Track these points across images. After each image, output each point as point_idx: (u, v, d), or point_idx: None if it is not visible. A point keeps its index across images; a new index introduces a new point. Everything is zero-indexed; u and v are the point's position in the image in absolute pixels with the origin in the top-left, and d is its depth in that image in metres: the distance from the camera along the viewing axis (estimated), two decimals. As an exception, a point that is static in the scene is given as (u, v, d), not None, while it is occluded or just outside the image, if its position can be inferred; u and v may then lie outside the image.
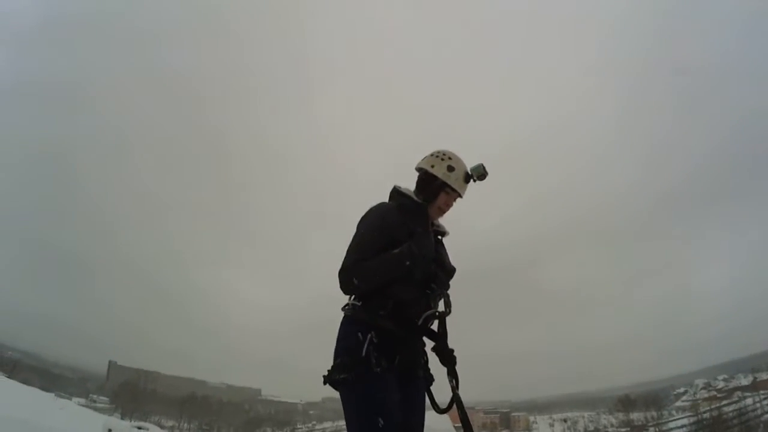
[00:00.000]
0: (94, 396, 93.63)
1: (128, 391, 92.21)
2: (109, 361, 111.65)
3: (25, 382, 37.62)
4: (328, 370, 2.64)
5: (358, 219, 2.95)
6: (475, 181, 3.01)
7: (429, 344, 2.83)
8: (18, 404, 11.18)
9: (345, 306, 2.85)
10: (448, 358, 2.72)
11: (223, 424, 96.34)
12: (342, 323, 2.81)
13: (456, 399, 2.70)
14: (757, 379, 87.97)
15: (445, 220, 3.17)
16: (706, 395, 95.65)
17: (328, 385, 2.65)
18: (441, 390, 2.81)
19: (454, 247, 3.16)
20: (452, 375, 2.71)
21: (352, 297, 2.83)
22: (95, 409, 59.63)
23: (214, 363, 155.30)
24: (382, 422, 2.48)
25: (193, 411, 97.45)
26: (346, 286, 2.76)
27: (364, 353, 2.59)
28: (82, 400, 72.39)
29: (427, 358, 2.92)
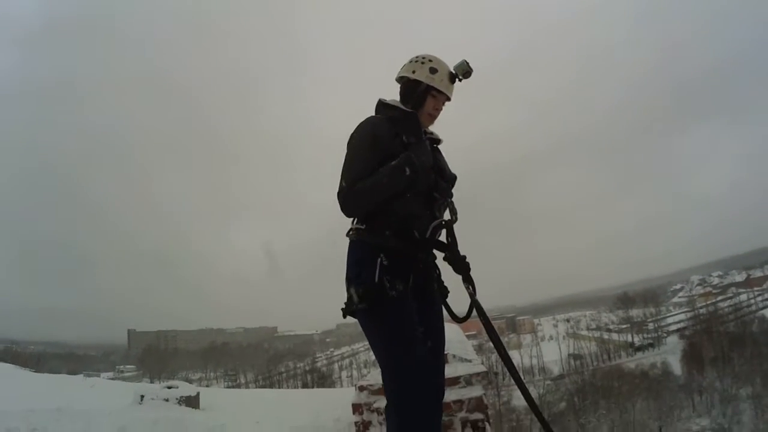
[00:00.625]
0: (121, 367, 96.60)
1: (151, 354, 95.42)
2: (128, 330, 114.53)
3: (52, 371, 38.83)
4: (345, 302, 2.53)
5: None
6: (460, 80, 2.84)
7: (440, 255, 2.68)
8: (49, 394, 11.12)
9: (349, 231, 2.70)
10: (461, 266, 2.59)
11: (247, 366, 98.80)
12: (349, 249, 2.66)
13: (476, 305, 2.63)
14: (751, 276, 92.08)
15: (438, 129, 2.97)
16: (701, 291, 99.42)
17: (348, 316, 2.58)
18: (455, 300, 2.75)
19: (448, 156, 3.00)
20: (468, 282, 2.61)
21: (355, 220, 2.68)
22: (124, 379, 61.78)
23: (228, 310, 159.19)
24: (406, 346, 2.43)
25: (216, 359, 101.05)
26: (347, 208, 2.59)
27: (377, 279, 2.46)
28: (110, 374, 75.32)
29: (439, 270, 2.75)
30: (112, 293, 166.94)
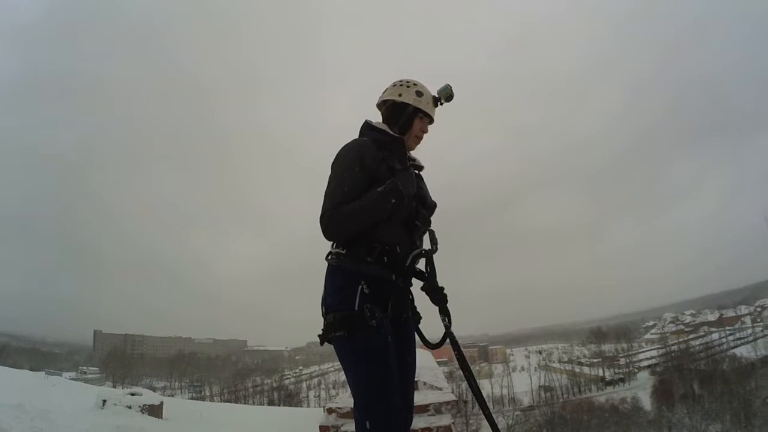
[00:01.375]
0: (84, 368, 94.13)
1: (116, 358, 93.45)
2: (94, 331, 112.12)
3: (14, 365, 37.79)
4: (323, 329, 2.51)
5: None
6: (442, 103, 2.90)
7: (416, 283, 2.69)
8: (9, 388, 11.19)
9: (328, 255, 2.66)
10: (439, 297, 2.58)
11: (213, 378, 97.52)
12: (328, 274, 2.62)
13: (450, 336, 2.63)
14: (723, 315, 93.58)
15: (419, 155, 3.00)
16: (674, 329, 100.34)
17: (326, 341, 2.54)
18: (428, 327, 2.78)
19: (429, 181, 3.01)
20: (444, 313, 2.59)
21: (335, 244, 2.64)
22: (86, 380, 60.27)
23: (198, 319, 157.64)
24: (383, 376, 2.41)
25: (182, 369, 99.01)
26: (330, 233, 2.55)
27: (356, 307, 2.44)
28: (73, 374, 72.39)
29: (412, 296, 2.77)
30: (82, 290, 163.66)
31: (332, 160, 2.68)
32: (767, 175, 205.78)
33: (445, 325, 2.59)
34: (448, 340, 2.66)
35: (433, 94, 2.88)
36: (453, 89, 2.88)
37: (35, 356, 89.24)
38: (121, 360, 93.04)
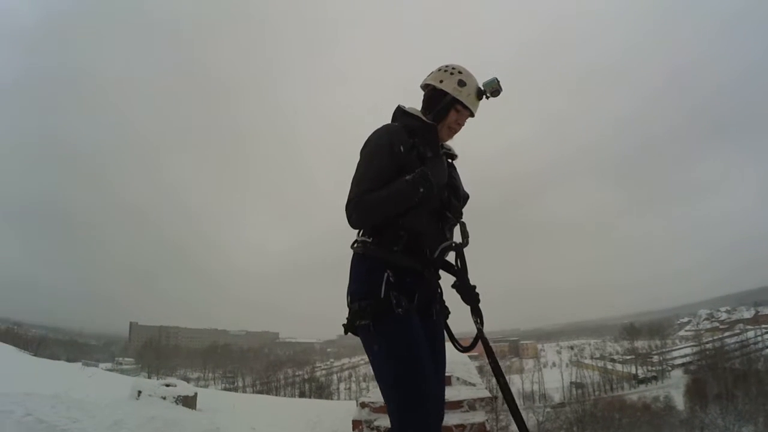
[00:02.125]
0: (120, 359, 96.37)
1: (151, 349, 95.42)
2: (130, 323, 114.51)
3: (51, 357, 38.92)
4: (347, 317, 2.41)
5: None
6: (488, 97, 2.72)
7: (443, 275, 2.61)
8: (47, 379, 11.36)
9: (354, 243, 2.58)
10: (471, 297, 2.50)
11: (246, 370, 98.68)
12: (353, 262, 2.54)
13: (482, 339, 2.53)
14: (759, 313, 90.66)
15: (454, 143, 2.87)
16: (708, 326, 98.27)
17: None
18: (455, 322, 2.70)
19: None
20: (476, 314, 2.50)
21: (361, 232, 2.56)
22: (122, 371, 61.51)
23: (231, 312, 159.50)
24: (413, 366, 2.30)
25: (215, 360, 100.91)
26: (355, 220, 2.45)
27: (382, 295, 2.35)
28: (109, 365, 74.87)
29: (441, 290, 2.68)
30: (118, 282, 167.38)
31: (362, 146, 2.59)
32: None
33: (478, 328, 2.50)
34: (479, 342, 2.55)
35: (479, 85, 2.70)
36: (501, 83, 2.68)
37: (72, 348, 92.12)
38: (156, 351, 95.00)
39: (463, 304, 2.52)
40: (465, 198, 2.77)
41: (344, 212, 2.43)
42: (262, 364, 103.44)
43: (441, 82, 2.67)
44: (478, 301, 2.50)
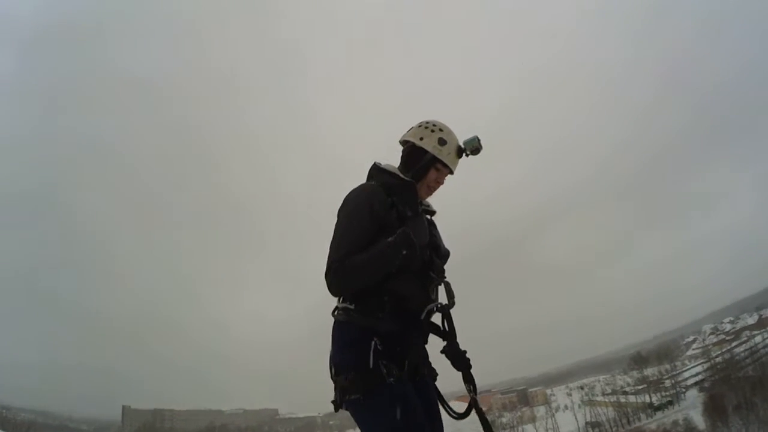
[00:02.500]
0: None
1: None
2: (123, 407, 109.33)
3: None
4: (336, 392, 2.32)
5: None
6: (467, 155, 2.69)
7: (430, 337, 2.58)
8: None
9: (335, 310, 2.49)
10: (462, 362, 2.45)
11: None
12: (336, 331, 2.45)
13: (475, 406, 2.44)
14: (763, 316, 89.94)
15: (434, 194, 2.78)
16: (715, 340, 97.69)
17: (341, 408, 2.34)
18: (443, 378, 2.61)
19: (446, 223, 2.87)
20: (468, 381, 2.45)
21: (342, 298, 2.45)
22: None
23: (228, 390, 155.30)
24: None
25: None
26: (336, 288, 2.37)
27: (371, 365, 2.26)
28: (102, 453, 72.64)
29: (427, 352, 2.61)
30: (109, 365, 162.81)
31: (339, 207, 2.54)
32: None
33: (471, 397, 2.46)
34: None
35: (459, 143, 2.69)
36: (481, 141, 2.68)
37: None
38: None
39: (449, 364, 2.51)
40: (446, 255, 2.73)
41: (324, 279, 2.39)
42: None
43: (421, 139, 2.65)
44: (470, 366, 2.48)
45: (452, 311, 2.52)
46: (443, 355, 2.49)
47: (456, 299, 2.53)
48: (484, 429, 2.45)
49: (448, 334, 2.49)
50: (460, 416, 2.54)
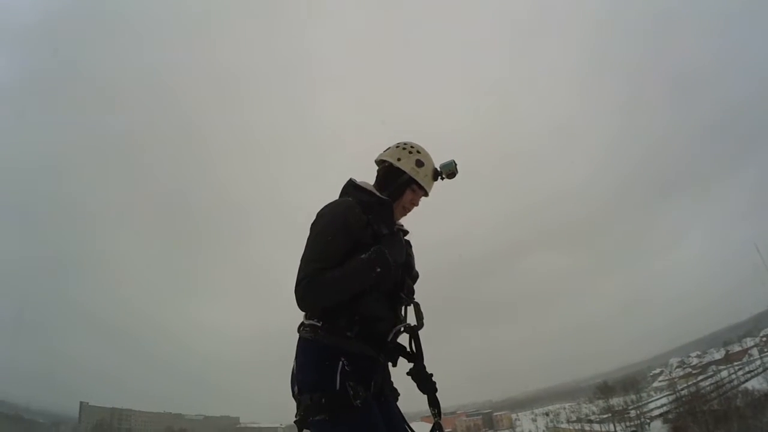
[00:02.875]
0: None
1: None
2: (81, 402, 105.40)
3: None
4: (300, 412, 2.26)
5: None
6: (443, 179, 2.74)
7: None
8: None
9: (301, 326, 2.44)
10: (428, 386, 2.44)
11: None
12: (301, 349, 2.41)
13: (439, 430, 2.41)
14: (729, 352, 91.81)
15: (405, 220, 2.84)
16: (681, 373, 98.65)
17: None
18: (404, 397, 2.61)
19: (419, 242, 2.85)
20: (434, 405, 2.42)
21: (308, 315, 2.42)
22: (71, 455, 57.51)
23: (189, 395, 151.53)
24: None
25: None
26: (307, 303, 2.35)
27: (338, 386, 2.24)
28: (56, 447, 70.32)
29: (389, 371, 2.60)
30: (68, 357, 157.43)
31: (312, 221, 2.52)
32: (752, 206, 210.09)
33: (436, 422, 2.42)
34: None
35: (435, 166, 2.75)
36: (457, 166, 2.73)
37: (18, 425, 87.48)
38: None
39: (411, 384, 2.51)
40: (416, 277, 2.72)
41: (294, 293, 2.35)
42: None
43: (399, 159, 2.68)
44: (435, 390, 2.44)
45: (420, 332, 2.52)
46: (407, 375, 2.50)
47: (425, 321, 2.53)
48: None
49: (416, 355, 2.49)
50: None
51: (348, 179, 2.72)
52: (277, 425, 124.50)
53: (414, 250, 2.77)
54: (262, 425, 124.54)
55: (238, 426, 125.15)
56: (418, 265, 2.76)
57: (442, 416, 2.48)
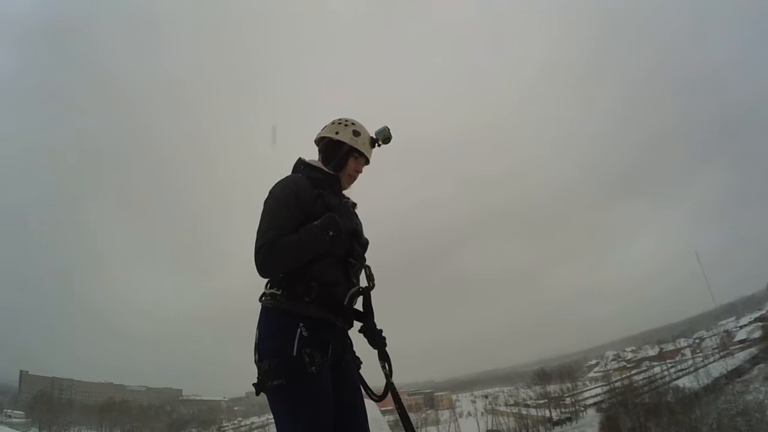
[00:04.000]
0: (9, 411, 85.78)
1: (43, 402, 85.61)
2: (21, 371, 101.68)
3: None
4: (258, 377, 2.42)
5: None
6: (379, 145, 2.97)
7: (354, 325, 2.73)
8: None
9: (262, 296, 2.60)
10: (377, 340, 2.61)
11: (146, 429, 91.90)
12: (262, 317, 2.55)
13: (391, 388, 2.64)
14: (663, 350, 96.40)
15: (359, 197, 3.06)
16: (616, 366, 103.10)
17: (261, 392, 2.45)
18: (368, 372, 2.75)
19: (376, 230, 3.10)
20: (384, 359, 2.62)
21: (269, 284, 2.59)
22: (11, 425, 55.61)
23: (131, 366, 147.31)
24: (321, 428, 2.34)
25: (113, 417, 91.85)
26: (267, 268, 2.50)
27: (295, 352, 2.37)
28: (-4, 416, 67.62)
29: (350, 340, 2.78)
30: (10, 321, 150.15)
31: (265, 198, 2.68)
32: (703, 214, 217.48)
33: (385, 374, 2.63)
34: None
35: (371, 135, 2.95)
36: (391, 131, 2.96)
37: None
38: (48, 405, 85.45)
39: (375, 358, 2.65)
40: (366, 244, 2.92)
41: (254, 264, 2.49)
42: (164, 423, 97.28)
43: (337, 133, 2.90)
44: (385, 344, 2.63)
45: (377, 318, 2.69)
46: (371, 351, 2.66)
47: (375, 282, 2.72)
48: (395, 404, 2.60)
49: (367, 314, 2.66)
50: (378, 398, 2.83)
51: (298, 158, 2.94)
52: (221, 398, 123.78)
53: (372, 235, 2.98)
54: (205, 397, 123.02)
55: (180, 398, 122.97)
56: (375, 252, 2.96)
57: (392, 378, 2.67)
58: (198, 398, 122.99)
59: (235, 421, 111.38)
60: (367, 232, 2.98)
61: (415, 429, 2.55)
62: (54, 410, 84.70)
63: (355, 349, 2.77)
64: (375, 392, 2.80)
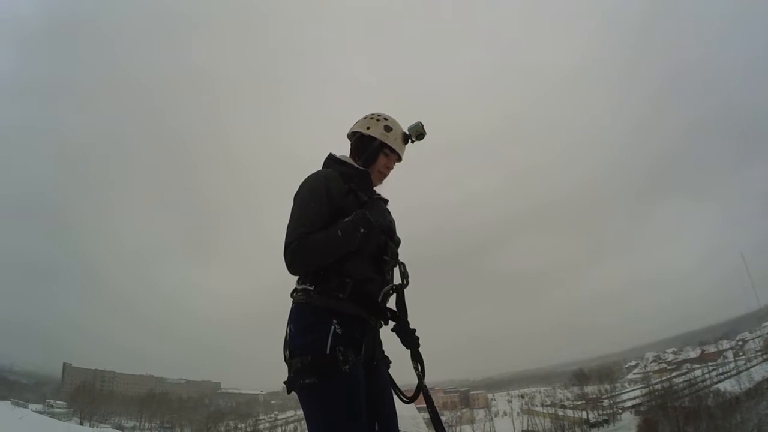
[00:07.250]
0: (51, 401, 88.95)
1: (85, 393, 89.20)
2: (64, 363, 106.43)
3: None
4: (290, 374, 2.33)
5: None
6: (413, 141, 2.88)
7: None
8: None
9: (294, 291, 2.53)
10: (410, 340, 2.52)
11: (185, 421, 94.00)
12: (294, 312, 2.48)
13: (423, 390, 2.53)
14: (705, 352, 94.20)
15: (393, 191, 2.98)
16: (656, 367, 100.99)
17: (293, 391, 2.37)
18: (397, 370, 2.68)
19: (415, 225, 2.98)
20: (417, 359, 2.52)
21: (301, 280, 2.51)
22: (52, 414, 57.81)
23: (171, 359, 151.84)
24: (354, 429, 2.27)
25: (152, 409, 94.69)
26: (296, 265, 2.42)
27: (328, 350, 2.30)
28: (39, 406, 70.44)
29: (380, 340, 2.67)
30: (54, 319, 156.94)
31: (295, 192, 2.62)
32: (746, 211, 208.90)
33: (417, 375, 2.52)
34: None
35: (404, 130, 2.87)
36: (425, 127, 2.85)
37: (2, 384, 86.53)
38: (89, 396, 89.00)
39: (406, 356, 2.56)
40: (398, 242, 2.79)
41: (284, 258, 2.42)
42: (203, 415, 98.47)
43: (368, 128, 2.82)
44: (418, 345, 2.52)
45: (412, 316, 2.60)
46: (401, 348, 2.57)
47: (410, 280, 2.65)
48: (428, 408, 2.52)
49: (400, 312, 2.56)
50: (410, 399, 2.69)
51: (328, 153, 2.86)
52: (258, 391, 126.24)
53: (409, 231, 2.91)
54: (243, 391, 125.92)
55: (219, 391, 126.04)
56: (409, 232, 2.86)
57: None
58: (236, 391, 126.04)
59: (272, 415, 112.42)
60: (407, 227, 2.93)
61: (450, 427, 2.43)
62: (95, 401, 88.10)
63: (384, 348, 2.70)
64: (405, 393, 2.71)
